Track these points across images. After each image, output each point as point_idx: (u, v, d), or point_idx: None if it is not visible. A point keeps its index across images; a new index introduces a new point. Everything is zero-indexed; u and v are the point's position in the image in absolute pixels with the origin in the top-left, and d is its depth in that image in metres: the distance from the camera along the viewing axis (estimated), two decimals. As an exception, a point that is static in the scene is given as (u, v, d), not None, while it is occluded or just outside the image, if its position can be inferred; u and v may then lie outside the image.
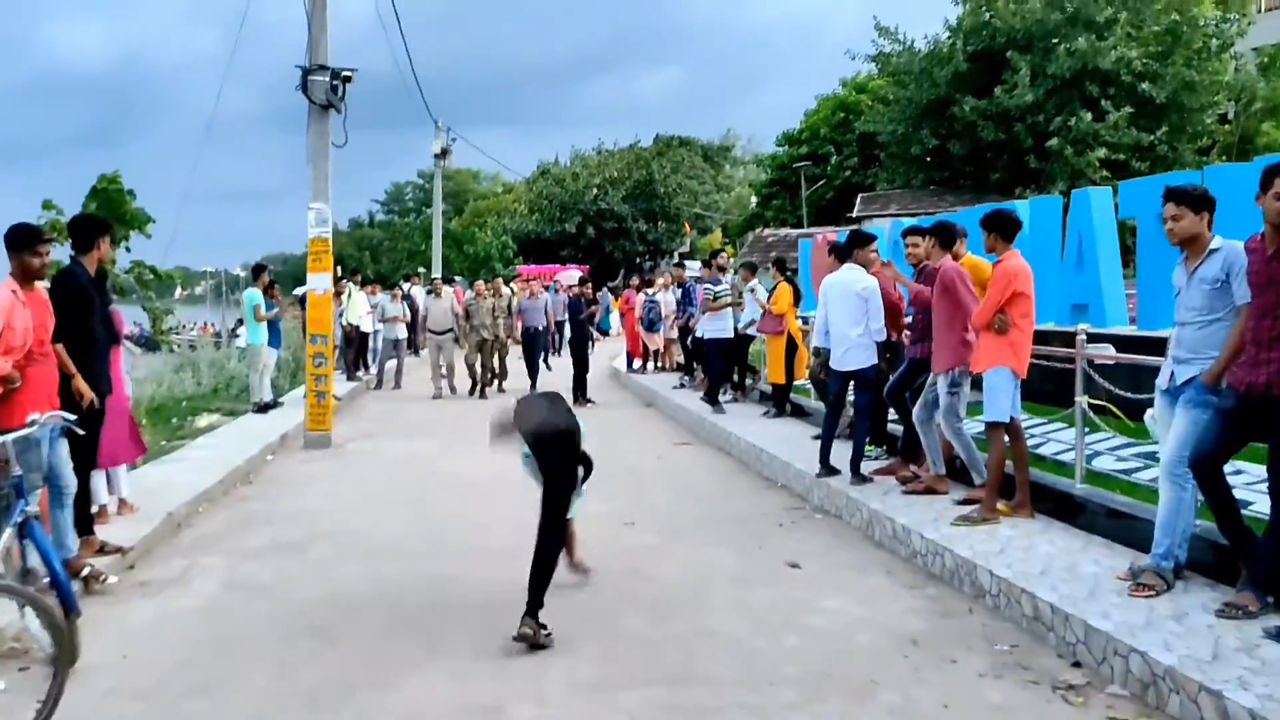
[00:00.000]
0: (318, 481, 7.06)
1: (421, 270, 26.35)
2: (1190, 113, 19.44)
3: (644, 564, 4.61)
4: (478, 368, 11.77)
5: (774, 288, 8.94)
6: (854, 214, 22.37)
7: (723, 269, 10.19)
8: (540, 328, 12.20)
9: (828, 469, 5.78)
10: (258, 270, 10.65)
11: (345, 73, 8.63)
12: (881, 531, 4.97)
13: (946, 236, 5.21)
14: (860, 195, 23.82)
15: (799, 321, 8.82)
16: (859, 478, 5.54)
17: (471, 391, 11.81)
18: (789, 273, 9.00)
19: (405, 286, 16.88)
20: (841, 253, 5.92)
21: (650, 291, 13.85)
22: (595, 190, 35.68)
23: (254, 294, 10.12)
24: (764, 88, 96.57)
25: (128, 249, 11.62)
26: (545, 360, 12.42)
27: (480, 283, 12.40)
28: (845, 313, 5.65)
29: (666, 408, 10.59)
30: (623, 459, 7.35)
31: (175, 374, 12.56)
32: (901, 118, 22.31)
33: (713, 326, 9.42)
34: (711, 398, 9.31)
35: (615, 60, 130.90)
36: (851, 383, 5.74)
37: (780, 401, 8.77)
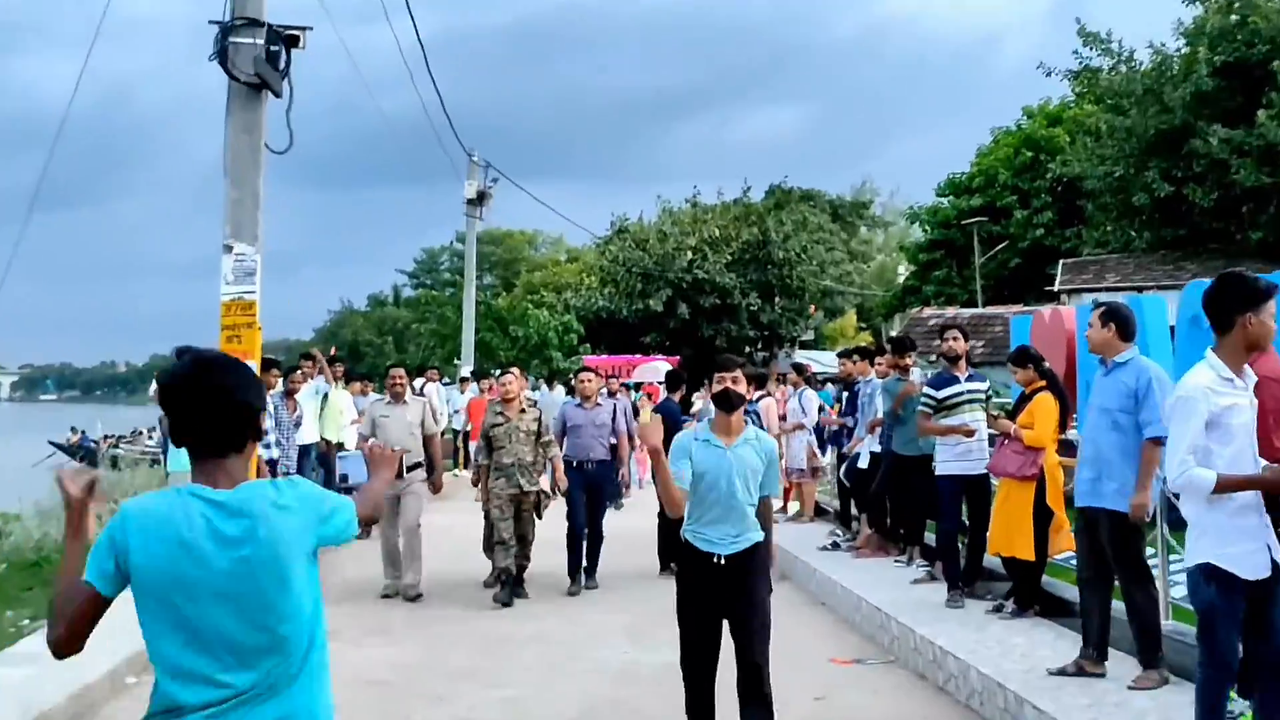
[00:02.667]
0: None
1: (456, 363, 26.72)
2: None
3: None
4: (506, 539, 8.73)
5: (1023, 396, 7.32)
6: (1055, 287, 21.83)
7: (903, 367, 9.31)
8: (597, 460, 9.52)
9: None
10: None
11: (290, 32, 7.59)
12: None
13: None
14: (1062, 262, 23.36)
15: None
16: None
17: (495, 583, 8.92)
18: (1044, 369, 7.32)
19: (419, 384, 16.79)
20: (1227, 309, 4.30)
21: (756, 397, 12.72)
22: (690, 254, 35.93)
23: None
24: (921, 128, 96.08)
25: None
26: (600, 510, 9.77)
27: (495, 379, 11.08)
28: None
29: (812, 584, 9.29)
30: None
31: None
32: (1118, 155, 21.74)
33: (949, 455, 7.80)
34: (950, 577, 7.77)
35: (713, 99, 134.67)
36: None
37: (1026, 593, 7.21)
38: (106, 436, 37.13)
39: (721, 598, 4.65)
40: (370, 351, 44.15)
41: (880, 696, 6.10)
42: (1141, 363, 5.55)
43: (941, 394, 7.76)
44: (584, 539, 9.18)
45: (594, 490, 9.27)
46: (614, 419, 9.46)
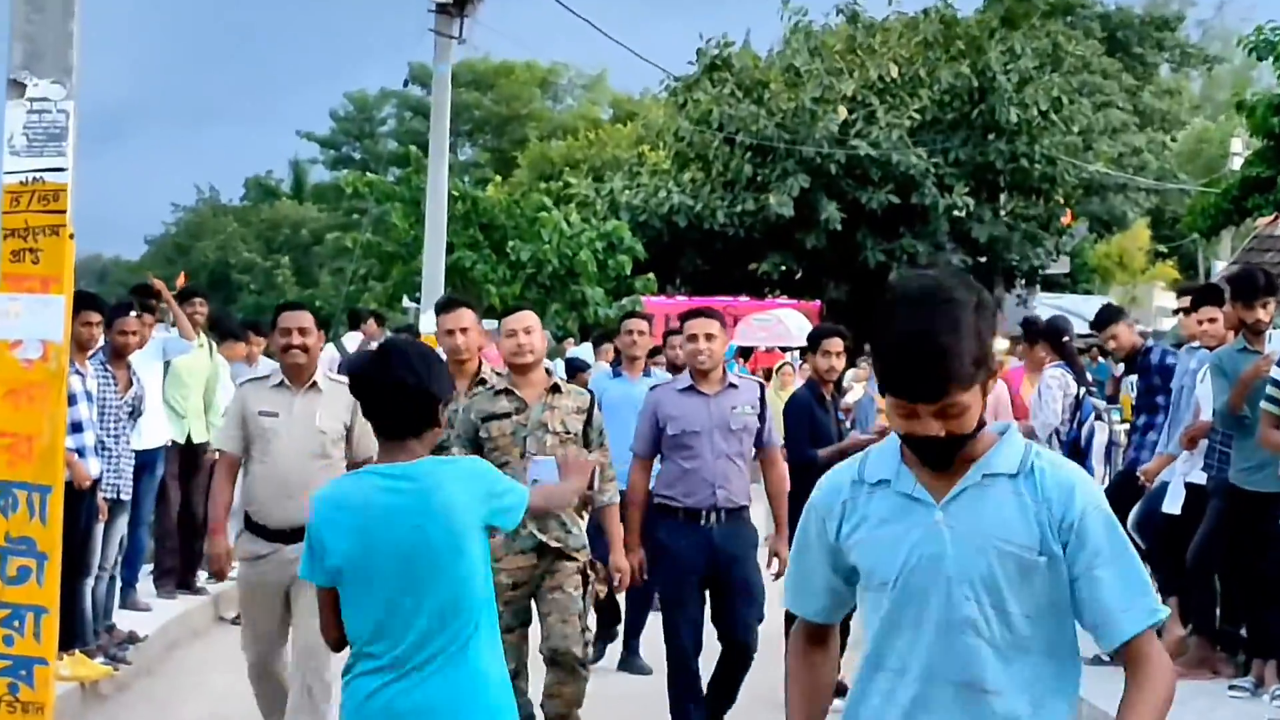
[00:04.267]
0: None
1: (410, 305, 27.72)
2: None
3: None
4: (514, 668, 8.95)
5: None
6: None
7: (1252, 327, 9.95)
8: (731, 507, 9.60)
9: None
10: None
11: None
12: None
13: None
14: None
15: None
16: None
17: None
18: None
19: (349, 342, 19.10)
20: None
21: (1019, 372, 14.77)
22: (845, 111, 36.70)
23: None
24: None
25: None
26: (749, 611, 9.84)
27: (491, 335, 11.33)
28: None
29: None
30: None
31: None
32: None
33: None
34: None
35: None
36: None
37: None
38: None
39: None
40: (252, 282, 45.66)
41: None
42: None
43: None
44: (694, 675, 8.83)
45: (726, 568, 8.83)
46: (762, 416, 9.16)
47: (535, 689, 8.17)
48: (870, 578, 3.57)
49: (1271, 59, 37.75)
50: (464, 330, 8.83)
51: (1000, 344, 14.59)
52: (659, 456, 9.30)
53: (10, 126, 8.47)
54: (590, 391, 9.15)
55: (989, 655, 3.47)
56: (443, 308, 9.39)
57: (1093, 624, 3.54)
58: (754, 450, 9.18)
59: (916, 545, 3.52)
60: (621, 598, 11.23)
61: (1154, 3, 51.19)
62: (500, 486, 4.40)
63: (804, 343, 16.50)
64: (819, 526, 3.67)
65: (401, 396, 4.47)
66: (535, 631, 8.20)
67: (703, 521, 8.91)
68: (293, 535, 7.90)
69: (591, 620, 9.18)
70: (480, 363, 9.11)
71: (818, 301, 31.86)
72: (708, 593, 9.04)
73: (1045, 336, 13.27)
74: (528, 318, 8.44)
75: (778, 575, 8.62)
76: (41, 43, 8.54)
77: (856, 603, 4.14)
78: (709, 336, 8.91)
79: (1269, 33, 39.88)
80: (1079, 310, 29.90)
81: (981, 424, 3.76)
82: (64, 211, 8.47)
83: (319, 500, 4.46)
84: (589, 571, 8.18)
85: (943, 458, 3.47)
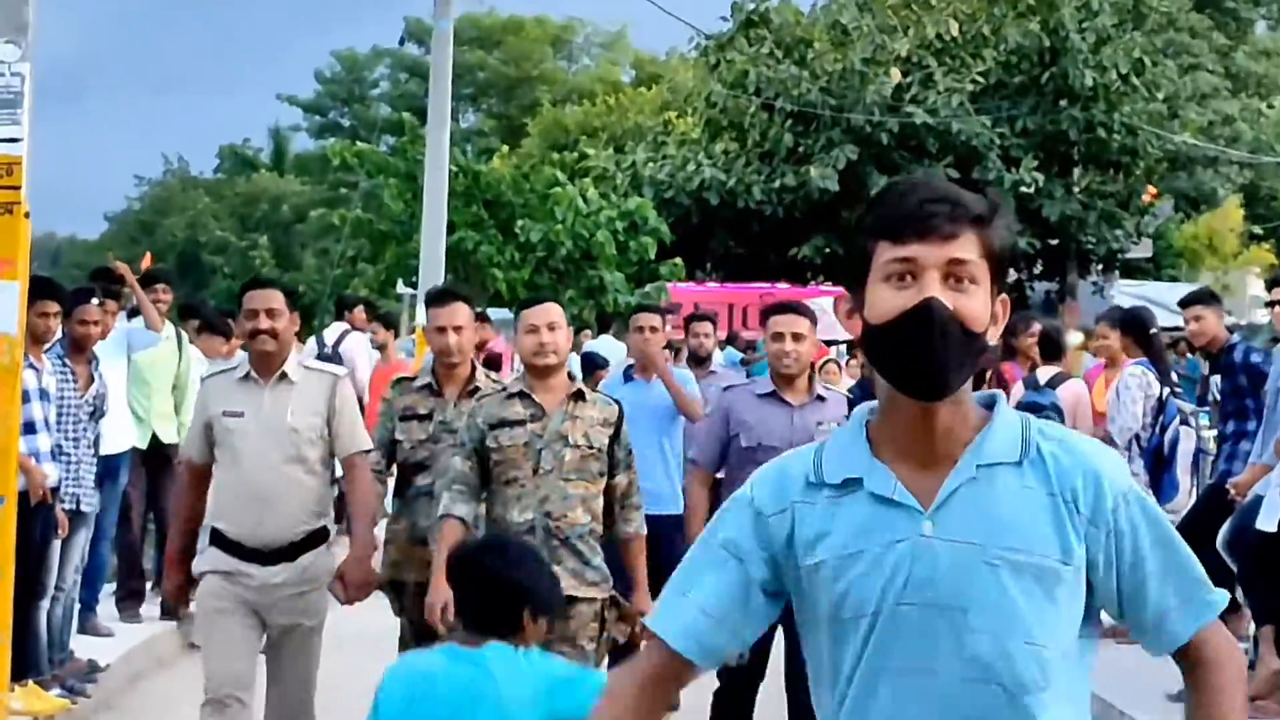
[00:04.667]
0: None
1: (404, 292, 28.28)
2: None
3: None
4: None
5: None
6: None
7: None
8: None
9: None
10: None
11: None
12: None
13: None
14: None
15: None
16: None
17: None
18: None
19: (332, 334, 19.53)
20: None
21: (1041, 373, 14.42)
22: (898, 75, 38.21)
23: None
24: None
25: None
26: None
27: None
28: None
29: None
30: None
31: None
32: None
33: None
34: None
35: None
36: None
37: None
38: None
39: None
40: (225, 264, 46.41)
41: None
42: None
43: None
44: (750, 705, 8.99)
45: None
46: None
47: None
48: (838, 608, 3.09)
49: None
50: (458, 329, 8.76)
51: (1074, 337, 15.01)
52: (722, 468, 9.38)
53: None
54: (618, 402, 8.75)
55: (1016, 709, 3.02)
56: (435, 300, 9.25)
57: (1142, 630, 3.28)
58: None
59: (902, 566, 3.08)
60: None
61: None
62: (562, 677, 4.76)
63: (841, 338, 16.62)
64: (751, 526, 3.17)
65: (497, 594, 4.94)
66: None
67: None
68: (269, 556, 7.80)
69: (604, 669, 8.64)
70: (474, 368, 9.02)
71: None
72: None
73: (1126, 329, 13.07)
74: (552, 311, 8.21)
75: None
76: None
77: (762, 638, 4.21)
78: (797, 337, 8.90)
79: None
80: (1162, 299, 30.00)
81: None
82: (19, 188, 8.44)
83: (389, 679, 4.85)
84: (606, 614, 8.02)
85: (940, 362, 2.94)
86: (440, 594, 7.36)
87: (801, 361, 9.24)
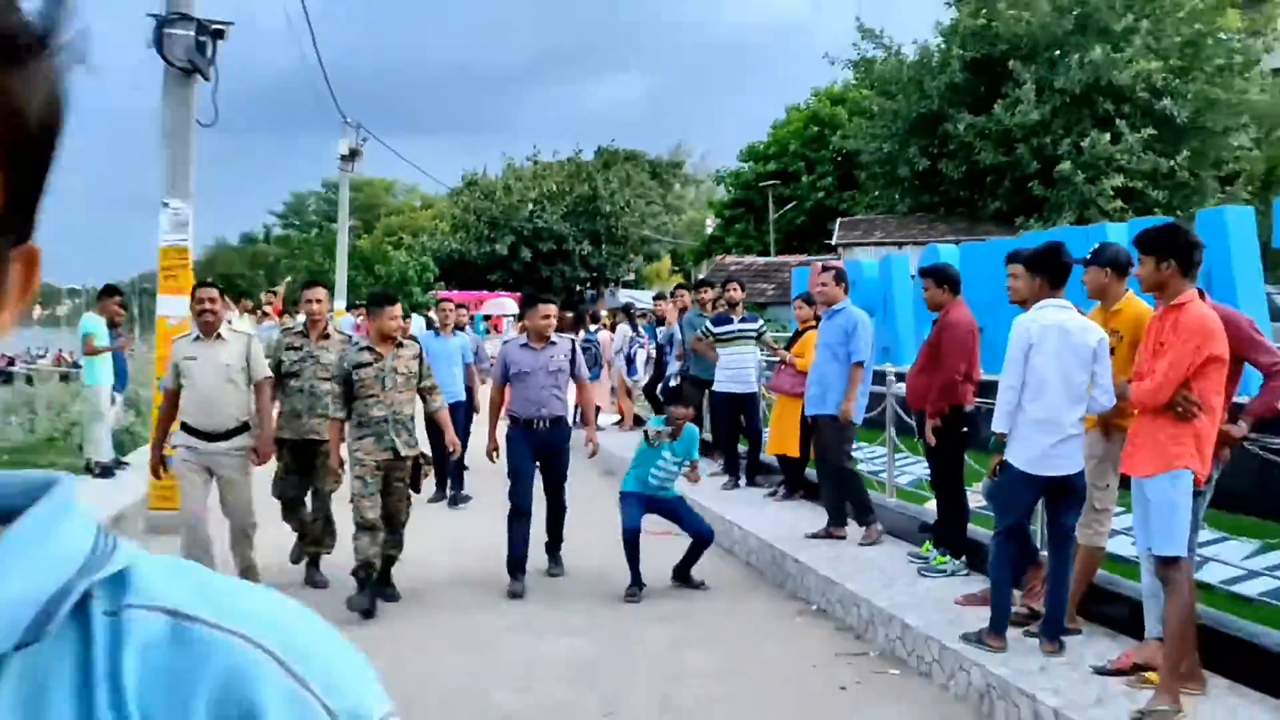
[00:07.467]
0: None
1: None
2: (1213, 135, 23.46)
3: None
4: (371, 521, 7.23)
5: (798, 332, 9.69)
6: (832, 241, 27.17)
7: (733, 303, 10.45)
8: (553, 417, 8.19)
9: (1055, 639, 5.31)
10: (106, 292, 11.42)
11: (217, 26, 9.20)
12: (1011, 715, 4.96)
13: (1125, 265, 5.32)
14: (839, 220, 28.85)
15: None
16: (1056, 644, 5.28)
17: (360, 582, 7.23)
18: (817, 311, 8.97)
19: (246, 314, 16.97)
20: (1053, 269, 5.34)
21: (593, 328, 15.35)
22: (531, 206, 42.09)
23: (90, 321, 10.80)
24: (730, 100, 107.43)
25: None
26: (562, 477, 8.23)
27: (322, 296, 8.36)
28: (1065, 381, 5.19)
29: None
30: (583, 562, 7.82)
31: (2, 416, 13.47)
32: (886, 134, 26.60)
33: (724, 378, 10.43)
34: (730, 470, 10.52)
35: (558, 66, 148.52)
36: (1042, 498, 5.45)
37: (793, 481, 9.56)
38: (2, 355, 45.75)
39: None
40: (244, 284, 48.53)
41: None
42: (852, 311, 7.93)
43: (718, 329, 10.18)
44: (527, 519, 7.78)
45: (550, 456, 7.91)
46: (573, 363, 7.99)
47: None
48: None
49: (723, 184, 42.28)
50: (319, 302, 8.10)
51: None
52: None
53: (163, 222, 9.56)
54: (418, 341, 8.02)
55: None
56: (305, 285, 8.66)
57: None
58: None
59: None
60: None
61: (673, 153, 56.13)
62: None
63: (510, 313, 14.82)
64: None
65: None
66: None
67: None
68: (215, 437, 7.09)
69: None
70: (327, 323, 8.14)
71: (519, 294, 28.05)
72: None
73: (626, 311, 12.84)
74: (398, 310, 7.58)
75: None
76: (175, 183, 9.65)
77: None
78: (548, 316, 8.30)
79: (720, 173, 45.17)
80: (639, 298, 30.59)
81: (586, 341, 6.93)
82: (188, 259, 9.64)
83: None
84: (419, 460, 7.46)
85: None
86: (335, 457, 7.32)
87: (452, 318, 11.24)
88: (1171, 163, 23.19)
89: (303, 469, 7.69)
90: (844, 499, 7.97)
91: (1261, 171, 25.78)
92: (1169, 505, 4.60)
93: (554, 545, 8.01)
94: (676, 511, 7.43)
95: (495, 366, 8.08)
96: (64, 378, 20.24)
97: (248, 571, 6.98)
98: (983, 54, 25.02)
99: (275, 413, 7.51)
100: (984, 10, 25.09)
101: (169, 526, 7.76)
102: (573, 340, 8.25)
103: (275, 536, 7.54)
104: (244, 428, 7.01)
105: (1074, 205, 23.44)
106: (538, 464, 7.75)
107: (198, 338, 7.08)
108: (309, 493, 7.73)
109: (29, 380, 19.62)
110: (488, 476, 9.57)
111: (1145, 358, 4.79)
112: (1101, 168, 23.19)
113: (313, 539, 7.78)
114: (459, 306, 11.83)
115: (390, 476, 7.12)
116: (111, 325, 11.03)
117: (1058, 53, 24.06)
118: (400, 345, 7.27)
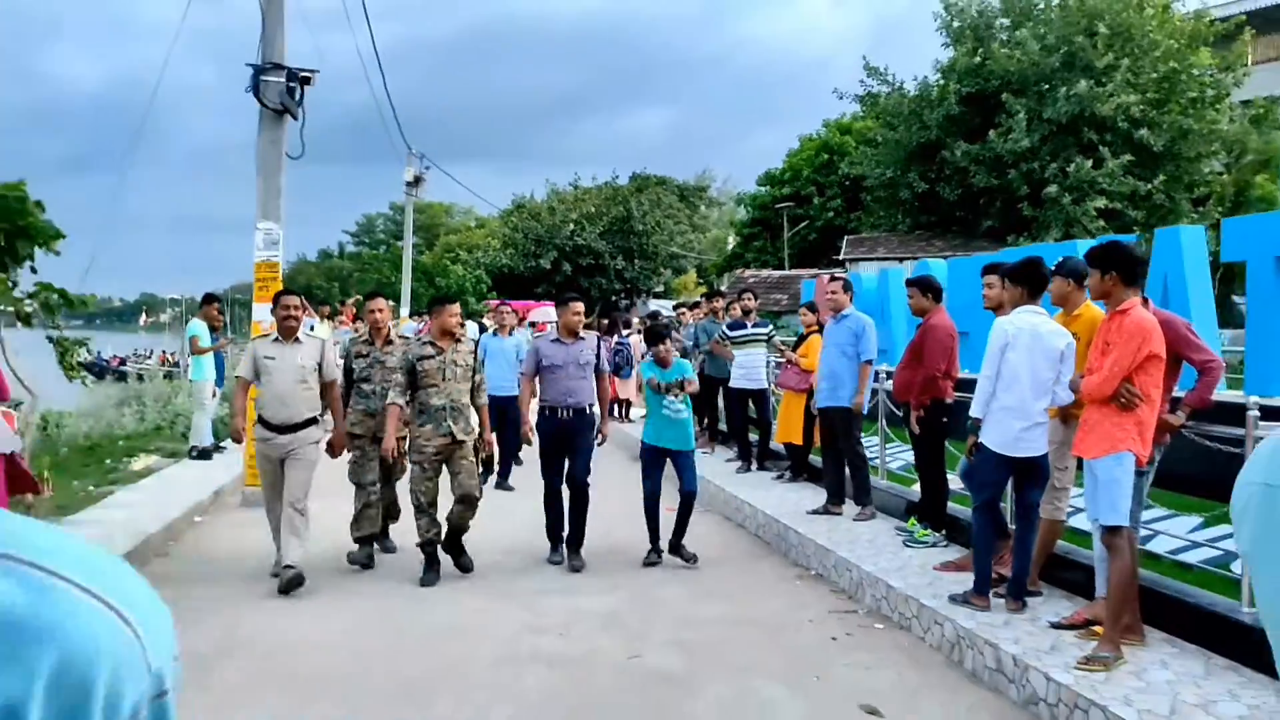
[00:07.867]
0: (246, 559, 7.21)
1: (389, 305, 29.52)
2: (1187, 161, 23.80)
3: (668, 707, 4.59)
4: (426, 505, 7.34)
5: (802, 336, 9.77)
6: (840, 256, 27.27)
7: (747, 311, 10.68)
8: (579, 406, 7.89)
9: (1019, 598, 5.53)
10: (207, 300, 11.66)
11: (304, 73, 9.54)
12: (978, 661, 5.11)
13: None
14: (847, 238, 28.58)
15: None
16: (1019, 603, 5.47)
17: (428, 561, 7.36)
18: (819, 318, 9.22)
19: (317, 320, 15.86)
20: (1032, 281, 5.54)
21: (625, 333, 15.30)
22: (571, 226, 41.89)
23: (195, 325, 11.21)
24: (752, 130, 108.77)
25: (33, 269, 9.34)
26: (585, 462, 7.76)
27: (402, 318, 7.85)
28: (1033, 375, 5.42)
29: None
30: (610, 530, 8.12)
31: (117, 409, 13.87)
32: (889, 160, 26.96)
33: (738, 376, 10.77)
34: (743, 456, 10.94)
35: (597, 101, 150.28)
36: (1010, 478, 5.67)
37: (798, 466, 9.81)
38: (115, 356, 47.05)
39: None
40: (321, 294, 48.53)
41: (708, 531, 8.51)
42: (859, 315, 8.15)
43: (734, 334, 10.51)
44: (560, 497, 7.72)
45: (571, 442, 7.61)
46: (598, 357, 7.76)
47: (440, 514, 7.13)
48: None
49: (743, 206, 43.12)
50: (380, 310, 7.96)
51: None
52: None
53: (257, 240, 9.71)
54: (476, 340, 8.39)
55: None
56: (367, 296, 8.43)
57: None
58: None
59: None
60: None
61: (699, 178, 52.79)
62: None
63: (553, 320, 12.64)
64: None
65: None
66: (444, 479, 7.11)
67: None
68: (284, 429, 6.98)
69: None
70: (389, 329, 8.05)
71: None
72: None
73: (654, 318, 12.29)
74: (457, 308, 7.43)
75: None
76: (268, 208, 9.80)
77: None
78: (577, 312, 8.02)
79: (740, 196, 45.58)
80: (667, 306, 26.52)
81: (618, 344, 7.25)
82: (278, 273, 9.66)
83: None
84: (477, 445, 7.31)
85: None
86: (391, 440, 7.15)
87: (510, 320, 11.08)
88: (1149, 186, 23.65)
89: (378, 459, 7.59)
90: (851, 479, 8.22)
91: (1231, 194, 26.06)
92: (1113, 482, 4.81)
93: (576, 539, 7.65)
94: (680, 464, 7.46)
95: (527, 359, 7.88)
96: (168, 375, 21.16)
97: (293, 528, 6.85)
98: (977, 88, 25.35)
99: (346, 410, 7.45)
100: (979, 49, 25.48)
101: (261, 501, 7.86)
102: (599, 337, 8.17)
103: (348, 514, 7.77)
104: (312, 421, 6.98)
105: (1060, 224, 23.60)
106: (565, 453, 7.61)
107: (277, 339, 7.06)
108: (381, 480, 7.75)
109: (140, 378, 20.42)
110: (528, 466, 9.83)
111: (1094, 355, 4.98)
112: (1085, 190, 23.56)
113: (378, 518, 7.85)
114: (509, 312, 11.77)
115: (453, 457, 7.06)
116: (212, 329, 11.32)
117: (1046, 87, 24.34)
118: (458, 341, 7.24)
